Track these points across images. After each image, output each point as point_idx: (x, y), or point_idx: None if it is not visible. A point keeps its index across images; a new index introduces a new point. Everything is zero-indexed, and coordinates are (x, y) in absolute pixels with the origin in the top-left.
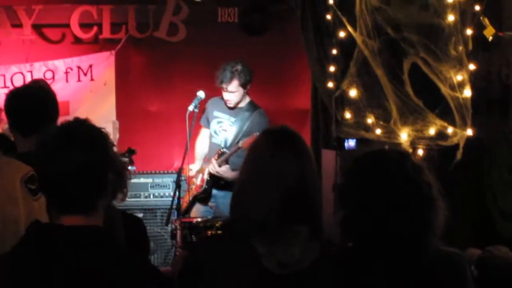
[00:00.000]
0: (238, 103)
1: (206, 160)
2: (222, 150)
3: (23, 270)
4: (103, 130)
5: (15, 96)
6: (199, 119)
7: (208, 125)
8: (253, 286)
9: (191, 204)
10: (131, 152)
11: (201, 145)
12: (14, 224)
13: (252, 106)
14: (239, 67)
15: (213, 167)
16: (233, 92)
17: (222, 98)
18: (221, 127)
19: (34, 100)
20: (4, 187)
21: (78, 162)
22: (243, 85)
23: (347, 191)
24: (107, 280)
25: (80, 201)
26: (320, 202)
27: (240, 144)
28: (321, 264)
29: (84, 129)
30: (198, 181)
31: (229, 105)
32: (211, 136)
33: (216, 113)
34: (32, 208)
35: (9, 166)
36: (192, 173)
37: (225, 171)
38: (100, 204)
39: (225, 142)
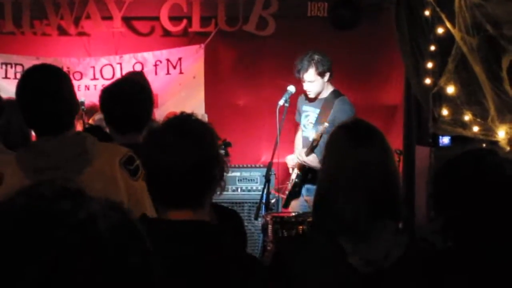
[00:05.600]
0: (318, 93)
1: None
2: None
3: None
4: (209, 125)
5: (112, 93)
6: (294, 116)
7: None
8: (340, 285)
9: (288, 200)
10: (226, 144)
11: (298, 141)
12: None
13: (335, 94)
14: (315, 56)
15: (300, 156)
16: (311, 82)
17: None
18: (308, 120)
19: (132, 99)
20: (104, 170)
21: (189, 158)
22: (320, 74)
23: (442, 195)
24: (215, 275)
25: (188, 196)
26: (401, 194)
27: (318, 130)
28: (408, 260)
29: (193, 124)
30: (294, 176)
31: (309, 95)
32: (302, 131)
33: (304, 108)
34: (134, 189)
35: (107, 149)
36: (292, 162)
37: (312, 160)
38: (207, 199)
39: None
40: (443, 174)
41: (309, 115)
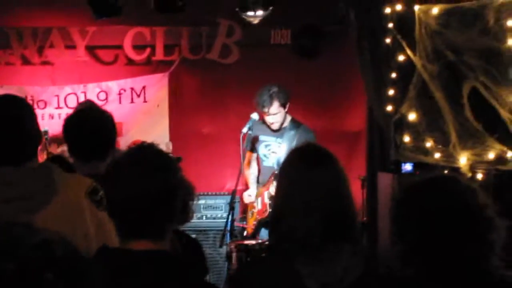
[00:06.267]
0: (281, 124)
1: (259, 183)
2: (276, 172)
3: None
4: (170, 154)
5: (74, 122)
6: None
7: (253, 149)
8: None
9: (257, 229)
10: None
11: (252, 169)
12: (84, 238)
13: (295, 123)
14: (275, 89)
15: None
16: (275, 114)
17: (263, 122)
18: (269, 150)
19: (94, 127)
20: (70, 201)
21: (148, 188)
22: (283, 105)
23: (403, 222)
24: None
25: (149, 226)
26: (356, 217)
27: None
28: (365, 284)
29: (151, 154)
30: (259, 206)
31: (274, 128)
32: (261, 160)
33: (262, 137)
34: (100, 220)
35: (72, 180)
36: (251, 199)
37: None
38: (169, 229)
39: (278, 163)
40: (403, 201)
41: (270, 144)
